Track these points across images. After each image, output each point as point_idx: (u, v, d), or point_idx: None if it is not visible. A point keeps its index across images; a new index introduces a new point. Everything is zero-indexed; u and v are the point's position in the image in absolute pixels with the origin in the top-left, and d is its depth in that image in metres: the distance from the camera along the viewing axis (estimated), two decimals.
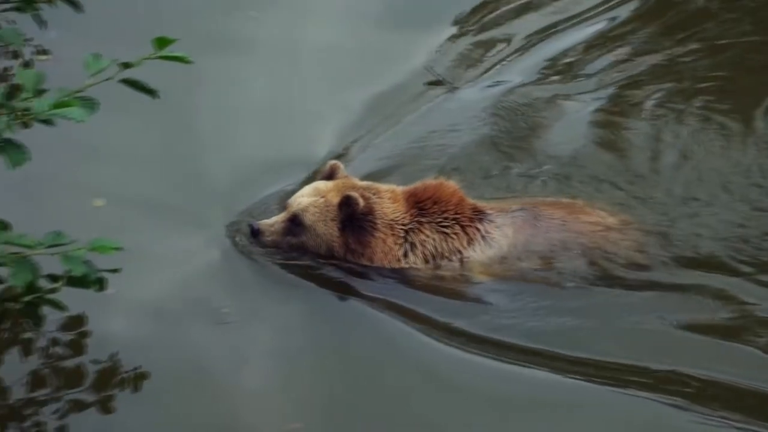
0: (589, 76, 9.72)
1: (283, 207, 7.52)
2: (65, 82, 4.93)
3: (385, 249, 7.34)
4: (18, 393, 6.33)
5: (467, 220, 7.41)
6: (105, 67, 4.91)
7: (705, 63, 9.70)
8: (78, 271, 4.88)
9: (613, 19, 10.44)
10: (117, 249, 4.94)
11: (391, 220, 7.36)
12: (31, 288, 5.08)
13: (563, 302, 7.21)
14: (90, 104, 4.82)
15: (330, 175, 7.54)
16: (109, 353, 6.57)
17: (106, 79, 4.89)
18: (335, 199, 7.31)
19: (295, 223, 7.35)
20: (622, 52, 9.99)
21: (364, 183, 7.55)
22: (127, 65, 4.87)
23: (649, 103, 9.21)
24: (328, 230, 7.32)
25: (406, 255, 7.36)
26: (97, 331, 6.71)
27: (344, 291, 7.31)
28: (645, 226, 7.67)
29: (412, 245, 7.36)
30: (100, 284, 5.10)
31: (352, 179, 7.55)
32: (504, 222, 7.42)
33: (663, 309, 7.13)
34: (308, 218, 7.32)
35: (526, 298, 7.25)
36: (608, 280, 7.34)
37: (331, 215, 7.31)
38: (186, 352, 6.79)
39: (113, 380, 6.44)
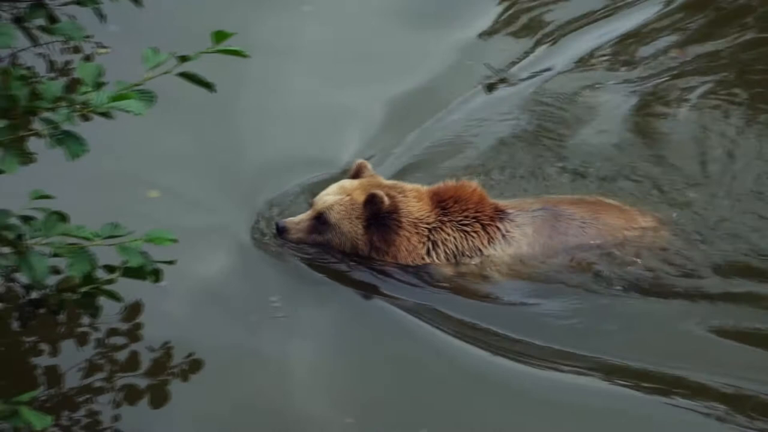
0: (631, 68, 9.59)
1: (309, 205, 7.55)
2: (124, 75, 4.95)
3: (410, 247, 7.35)
4: (72, 381, 6.39)
5: (488, 219, 7.40)
6: (163, 60, 4.93)
7: (749, 56, 9.56)
8: (135, 262, 4.91)
9: (656, 10, 10.30)
10: (173, 240, 4.97)
11: (416, 218, 7.37)
12: (88, 279, 5.13)
13: (583, 304, 7.16)
14: (148, 97, 4.83)
15: (356, 174, 7.56)
16: (161, 343, 6.63)
17: (164, 73, 4.91)
18: (360, 198, 7.33)
19: (320, 221, 7.38)
20: (663, 43, 9.87)
21: (390, 182, 7.58)
22: (184, 59, 4.87)
23: (693, 96, 9.07)
24: (353, 228, 7.34)
25: (428, 253, 7.37)
26: (149, 321, 6.77)
27: (378, 291, 7.31)
28: (679, 225, 7.57)
29: (434, 243, 7.37)
30: (156, 275, 5.13)
31: (377, 178, 7.57)
32: (524, 221, 7.39)
33: (692, 313, 7.04)
34: (333, 216, 7.35)
35: (547, 299, 7.21)
36: (629, 282, 7.25)
37: (356, 213, 7.33)
38: (235, 344, 6.83)
39: (165, 369, 6.49)
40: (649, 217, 7.54)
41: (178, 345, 6.63)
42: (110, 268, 5.14)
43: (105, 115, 4.77)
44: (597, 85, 9.36)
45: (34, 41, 5.86)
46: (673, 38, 9.91)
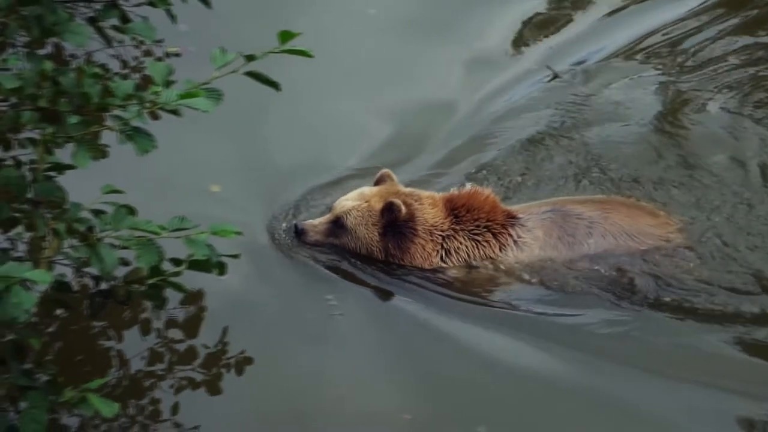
0: (669, 65, 9.46)
1: (329, 209, 7.62)
2: (193, 74, 5.02)
3: (424, 255, 7.39)
4: (137, 366, 6.53)
5: (499, 227, 7.39)
6: (231, 60, 5.02)
7: None
8: (200, 254, 5.00)
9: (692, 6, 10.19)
10: (237, 233, 5.07)
11: (431, 225, 7.39)
12: (155, 271, 5.24)
13: (594, 308, 7.15)
14: (216, 95, 4.89)
15: (379, 182, 7.61)
16: (219, 334, 6.74)
17: (232, 72, 5.00)
18: (378, 205, 7.38)
19: (337, 225, 7.46)
20: (701, 38, 9.74)
21: (407, 189, 7.58)
22: (250, 58, 4.95)
23: (731, 96, 8.91)
24: (368, 234, 7.40)
25: (443, 260, 7.39)
26: (208, 311, 6.90)
27: (427, 293, 7.35)
28: (694, 229, 7.47)
29: (448, 252, 7.39)
30: (220, 268, 5.18)
31: (396, 186, 7.58)
32: (535, 224, 7.38)
33: (703, 327, 6.97)
34: (350, 221, 7.41)
35: (560, 302, 7.22)
36: (640, 287, 7.19)
37: (372, 220, 7.39)
38: (292, 340, 6.92)
39: (220, 361, 6.58)
40: (667, 217, 7.47)
41: (234, 338, 6.72)
42: (176, 261, 5.23)
43: (174, 112, 4.86)
44: (633, 79, 9.27)
45: (108, 41, 5.99)
46: (711, 34, 9.76)
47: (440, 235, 7.42)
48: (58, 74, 4.79)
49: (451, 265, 7.41)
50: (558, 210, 7.44)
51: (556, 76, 9.41)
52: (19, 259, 4.59)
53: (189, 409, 6.32)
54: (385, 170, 7.68)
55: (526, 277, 7.31)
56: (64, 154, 5.02)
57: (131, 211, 5.02)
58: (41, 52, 7.93)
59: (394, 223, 7.37)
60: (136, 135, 4.81)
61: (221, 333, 6.76)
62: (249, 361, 6.62)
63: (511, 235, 7.40)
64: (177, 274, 5.21)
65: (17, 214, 5.02)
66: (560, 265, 7.30)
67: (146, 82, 5.00)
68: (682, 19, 10.01)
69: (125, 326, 6.75)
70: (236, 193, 8.00)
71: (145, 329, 6.75)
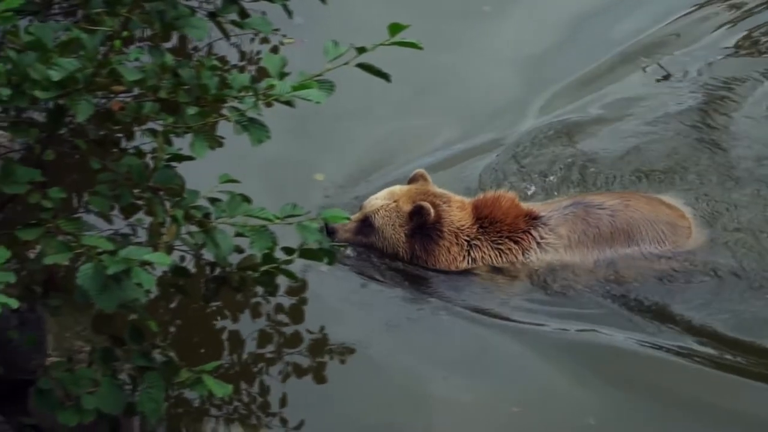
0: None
1: (359, 207, 7.55)
2: (308, 65, 5.10)
3: (449, 258, 7.30)
4: (249, 348, 6.72)
5: (521, 233, 7.26)
6: (343, 52, 5.13)
7: None
8: (312, 239, 5.08)
9: None
10: (348, 219, 5.20)
11: (457, 228, 7.29)
12: (268, 258, 5.36)
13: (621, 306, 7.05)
14: (328, 87, 4.96)
15: (411, 181, 7.52)
16: (320, 324, 6.91)
17: (344, 64, 5.08)
18: (405, 206, 7.30)
19: (365, 223, 7.39)
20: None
21: (438, 190, 7.45)
22: (362, 50, 5.04)
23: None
24: (395, 235, 7.34)
25: (468, 264, 7.31)
26: (312, 300, 7.06)
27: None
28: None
29: (474, 260, 7.29)
30: (330, 257, 5.27)
31: (428, 185, 7.46)
32: (557, 222, 7.23)
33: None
34: (378, 221, 7.35)
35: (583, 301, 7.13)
36: (658, 279, 7.09)
37: (400, 221, 7.32)
38: (396, 335, 7.07)
39: (324, 351, 6.76)
40: (680, 209, 7.34)
41: (337, 329, 6.89)
42: (289, 250, 5.35)
43: (287, 103, 4.97)
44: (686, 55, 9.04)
45: (226, 35, 6.18)
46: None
47: (466, 240, 7.35)
48: (178, 66, 4.92)
49: (477, 267, 7.34)
50: (579, 203, 7.36)
51: (668, 76, 9.21)
52: (138, 245, 4.78)
53: (295, 395, 6.51)
54: (419, 170, 7.62)
55: (552, 278, 7.26)
56: (182, 143, 5.17)
57: (246, 199, 5.13)
58: (166, 45, 8.23)
59: (422, 226, 7.32)
60: (251, 126, 4.94)
61: (323, 323, 6.93)
62: (351, 350, 6.76)
63: (534, 238, 7.33)
64: (289, 261, 5.31)
65: (138, 201, 5.25)
66: (587, 261, 7.24)
67: (261, 74, 5.14)
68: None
69: (237, 308, 6.94)
70: (338, 183, 8.09)
71: (255, 312, 6.93)
